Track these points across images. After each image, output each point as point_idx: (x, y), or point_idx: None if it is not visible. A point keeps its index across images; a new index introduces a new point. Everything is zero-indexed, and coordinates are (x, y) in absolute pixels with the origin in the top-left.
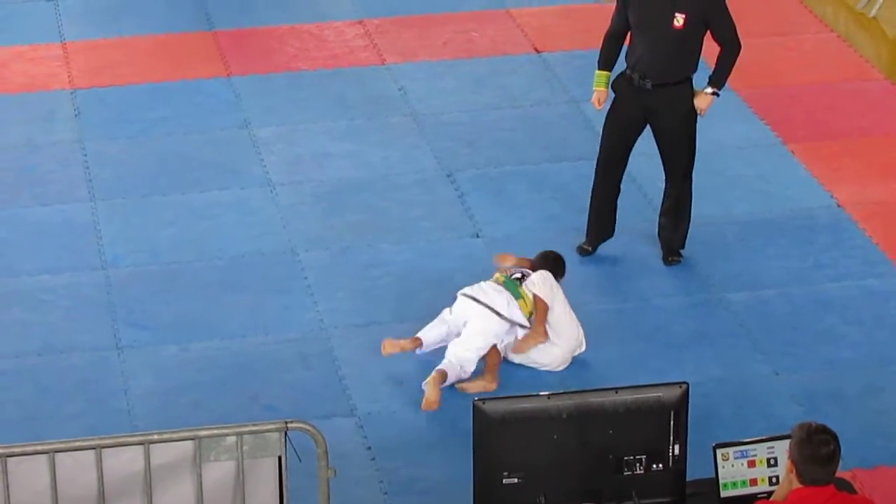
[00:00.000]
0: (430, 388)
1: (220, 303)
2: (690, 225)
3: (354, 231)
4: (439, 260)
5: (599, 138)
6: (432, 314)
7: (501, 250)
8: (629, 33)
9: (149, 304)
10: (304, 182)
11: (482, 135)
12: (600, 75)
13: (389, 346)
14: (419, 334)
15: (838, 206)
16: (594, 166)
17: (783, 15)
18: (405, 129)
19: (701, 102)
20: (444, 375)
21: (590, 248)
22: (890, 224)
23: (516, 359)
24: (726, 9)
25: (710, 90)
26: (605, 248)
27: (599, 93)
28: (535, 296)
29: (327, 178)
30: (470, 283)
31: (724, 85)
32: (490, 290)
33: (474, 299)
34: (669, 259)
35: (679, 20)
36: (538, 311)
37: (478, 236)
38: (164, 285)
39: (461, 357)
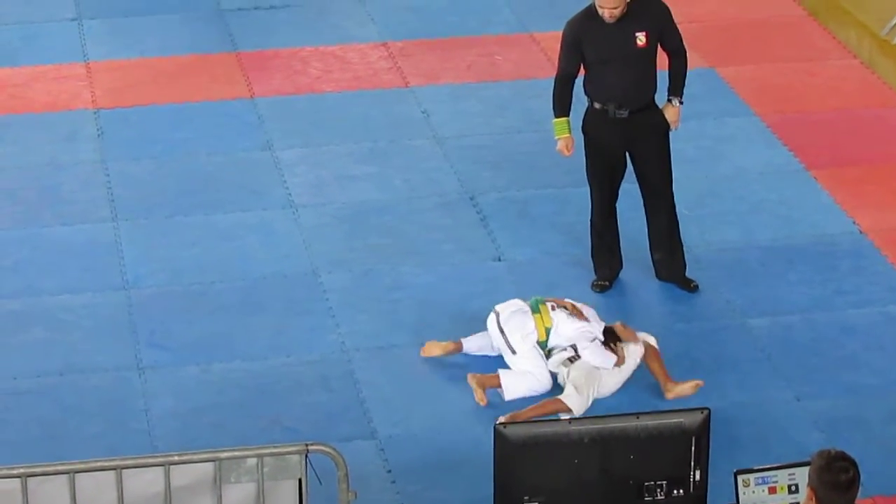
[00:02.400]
0: (474, 383)
1: (241, 324)
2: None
3: (376, 253)
4: (461, 283)
5: (588, 177)
6: (454, 337)
7: (523, 274)
8: (586, 70)
9: (170, 325)
10: (327, 204)
11: (505, 158)
12: (560, 122)
13: (431, 347)
14: (463, 339)
15: (861, 232)
16: (590, 208)
17: (807, 41)
18: (428, 151)
19: (672, 115)
20: (495, 380)
21: (607, 283)
22: None
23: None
24: (674, 21)
25: (676, 102)
26: (623, 276)
27: (566, 140)
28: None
29: (350, 200)
30: (491, 307)
31: (683, 93)
32: (515, 315)
33: (498, 323)
34: (692, 286)
35: (641, 39)
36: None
37: (500, 259)
38: (186, 306)
39: (522, 371)
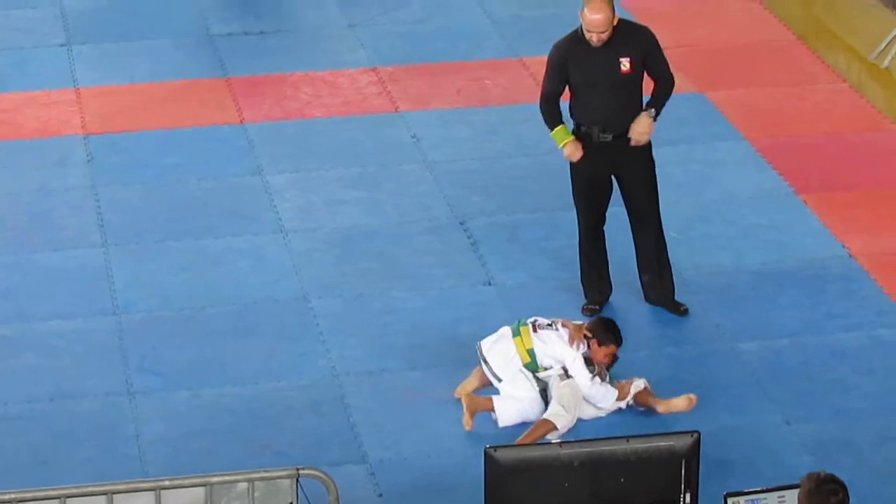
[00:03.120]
0: (465, 401)
1: (232, 349)
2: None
3: (367, 278)
4: (451, 308)
5: (575, 201)
6: (444, 362)
7: (513, 298)
8: (571, 93)
9: (161, 350)
10: (317, 229)
11: (495, 182)
12: (559, 131)
13: (467, 387)
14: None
15: (850, 256)
16: (577, 233)
17: (796, 65)
18: (418, 176)
19: (643, 124)
20: (488, 404)
21: (597, 307)
22: None
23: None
24: (661, 48)
25: (652, 112)
26: (613, 299)
27: (571, 144)
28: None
29: (340, 225)
30: (481, 331)
31: (660, 112)
32: (496, 343)
33: (482, 354)
34: (681, 310)
35: (625, 64)
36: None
37: (490, 284)
38: (177, 331)
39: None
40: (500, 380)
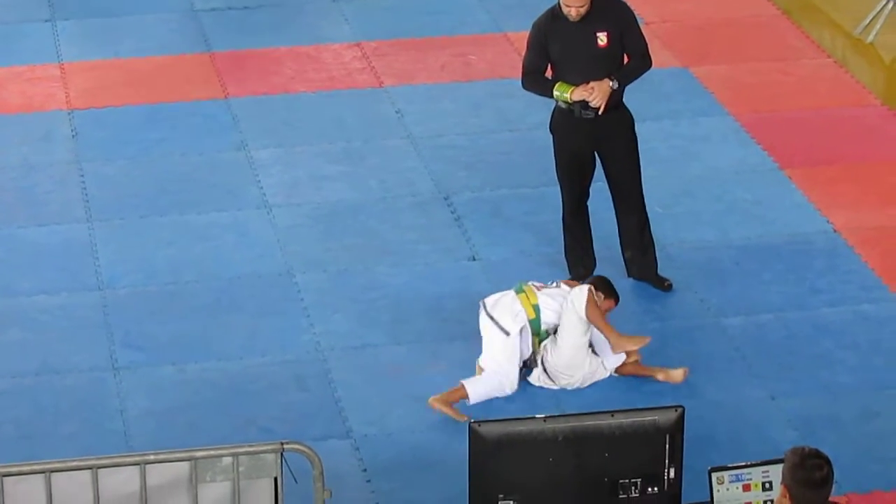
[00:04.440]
0: (439, 405)
1: (216, 324)
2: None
3: (351, 253)
4: (436, 283)
5: (558, 178)
6: (429, 337)
7: (498, 273)
8: (553, 72)
9: (145, 325)
10: (301, 204)
11: (479, 158)
12: (559, 86)
13: (438, 403)
14: (465, 382)
15: (835, 231)
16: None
17: (780, 40)
18: (402, 151)
19: (601, 87)
20: (461, 392)
21: (580, 282)
22: (886, 249)
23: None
24: (638, 25)
25: (613, 81)
26: (597, 274)
27: (575, 89)
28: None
29: (324, 200)
30: (465, 307)
31: (625, 85)
32: (500, 299)
33: (486, 311)
34: (665, 285)
35: (602, 39)
36: (596, 321)
37: (474, 259)
38: (161, 306)
39: (493, 370)
40: (507, 333)
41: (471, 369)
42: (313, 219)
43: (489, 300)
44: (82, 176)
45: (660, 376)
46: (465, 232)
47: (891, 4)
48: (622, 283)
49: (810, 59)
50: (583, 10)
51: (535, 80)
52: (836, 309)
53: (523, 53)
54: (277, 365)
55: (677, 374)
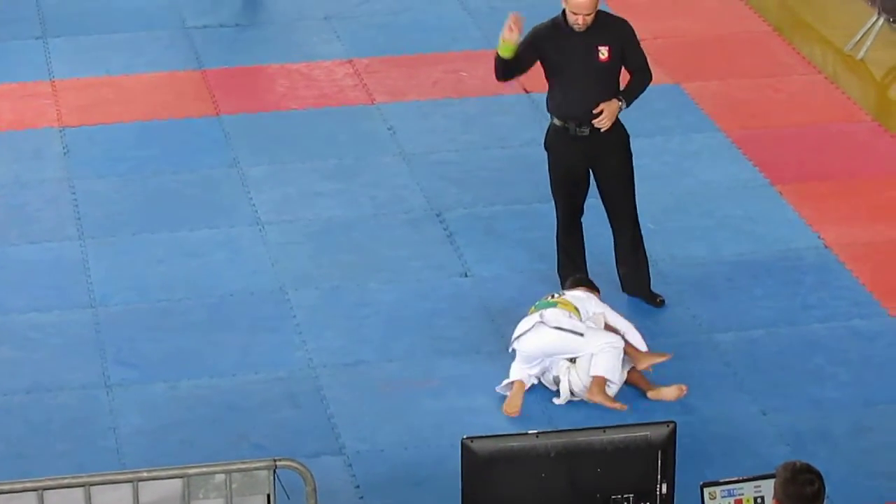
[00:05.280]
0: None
1: (209, 341)
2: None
3: (343, 270)
4: (428, 299)
5: (553, 195)
6: (421, 353)
7: (490, 290)
8: (549, 85)
9: (137, 343)
10: (294, 221)
11: (471, 174)
12: (503, 46)
13: (514, 402)
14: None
15: (826, 246)
16: (556, 227)
17: (771, 56)
18: (394, 168)
19: (610, 108)
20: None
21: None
22: (877, 265)
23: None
24: (638, 41)
25: (623, 101)
26: None
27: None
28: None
29: (316, 217)
30: (458, 324)
31: (631, 103)
32: (552, 313)
33: (554, 326)
34: (657, 301)
35: (604, 53)
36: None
37: (466, 275)
38: (153, 323)
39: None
40: (583, 335)
41: (464, 385)
42: (305, 236)
43: (545, 317)
44: (74, 193)
45: (650, 395)
46: (458, 248)
47: (881, 21)
48: (615, 298)
49: (801, 75)
50: (589, 20)
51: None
52: (827, 325)
53: None
54: (270, 382)
55: (670, 393)
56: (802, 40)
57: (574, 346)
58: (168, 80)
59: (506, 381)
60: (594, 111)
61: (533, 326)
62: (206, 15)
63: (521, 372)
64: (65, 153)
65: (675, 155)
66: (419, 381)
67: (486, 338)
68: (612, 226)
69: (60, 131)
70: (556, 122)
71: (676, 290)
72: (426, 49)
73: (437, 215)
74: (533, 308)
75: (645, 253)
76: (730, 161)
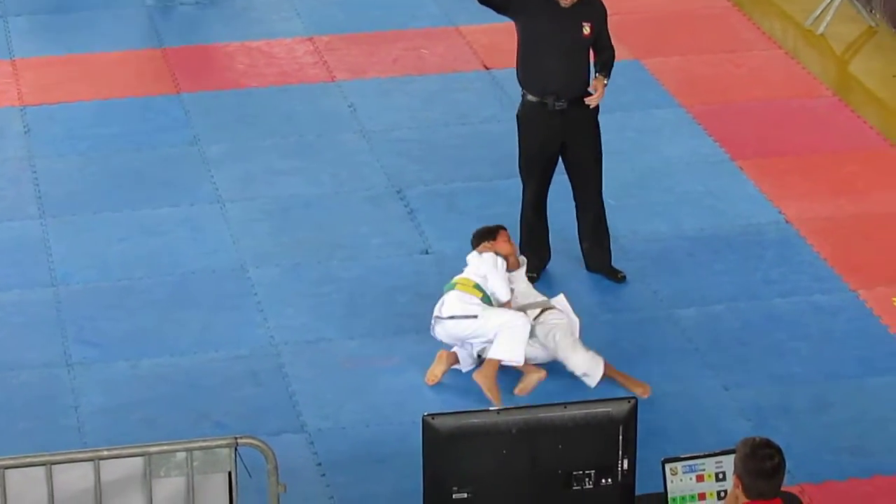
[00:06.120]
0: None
1: (170, 319)
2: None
3: (304, 248)
4: (389, 276)
5: (522, 172)
6: (382, 331)
7: (451, 266)
8: (525, 59)
9: (99, 321)
10: (254, 199)
11: (432, 151)
12: None
13: (436, 370)
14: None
15: (787, 221)
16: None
17: (731, 32)
18: (355, 145)
19: (599, 87)
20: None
21: (535, 275)
22: (838, 240)
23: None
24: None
25: (605, 78)
26: (551, 267)
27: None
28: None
29: (277, 195)
30: (419, 300)
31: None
32: (443, 304)
33: (448, 316)
34: (619, 276)
35: (587, 29)
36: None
37: (427, 252)
38: (115, 302)
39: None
40: (477, 317)
41: (425, 362)
42: (266, 213)
43: (437, 310)
44: (34, 172)
45: (620, 379)
46: (419, 226)
47: None
48: (576, 274)
49: (761, 50)
50: None
51: None
52: (788, 299)
53: (478, 47)
54: (231, 360)
55: (636, 387)
56: (762, 16)
57: (473, 330)
58: (128, 58)
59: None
60: (590, 89)
61: (434, 321)
62: None
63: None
64: (25, 132)
65: (636, 131)
66: (381, 358)
67: None
68: (576, 202)
69: (21, 110)
70: (531, 97)
71: (638, 266)
72: (386, 26)
73: (398, 192)
74: (446, 287)
75: (607, 228)
76: (690, 136)
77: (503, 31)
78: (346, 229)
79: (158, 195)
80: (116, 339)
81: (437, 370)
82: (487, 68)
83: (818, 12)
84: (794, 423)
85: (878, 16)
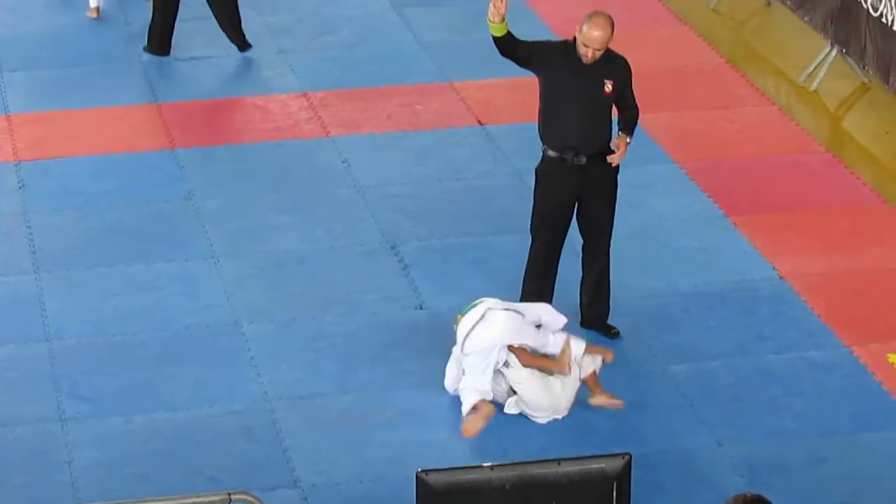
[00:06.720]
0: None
1: (164, 375)
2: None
3: (298, 303)
4: (383, 332)
5: (534, 227)
6: (376, 386)
7: (445, 322)
8: (546, 113)
9: (93, 376)
10: (249, 254)
11: (426, 207)
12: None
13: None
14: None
15: (780, 278)
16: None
17: (725, 88)
18: (349, 201)
19: (621, 146)
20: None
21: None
22: (831, 296)
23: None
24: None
25: (628, 137)
26: None
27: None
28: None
29: (271, 250)
30: (413, 356)
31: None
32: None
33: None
34: (612, 332)
35: (609, 86)
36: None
37: (421, 308)
38: (109, 357)
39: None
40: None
41: (420, 418)
42: (261, 269)
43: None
44: (29, 227)
45: (591, 400)
46: (413, 281)
47: (834, 52)
48: (572, 328)
49: (755, 106)
50: (598, 55)
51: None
52: (782, 355)
53: (472, 103)
54: (225, 415)
55: (605, 401)
56: (756, 72)
57: (526, 332)
58: (123, 113)
59: (470, 403)
60: (612, 146)
61: (483, 316)
62: None
63: (478, 386)
64: (20, 187)
65: (630, 186)
66: (375, 413)
67: (442, 370)
68: (584, 255)
69: (16, 165)
70: (552, 153)
71: (631, 322)
72: (380, 82)
73: (392, 248)
74: (459, 315)
75: (609, 284)
76: (684, 192)
77: (497, 88)
78: (340, 285)
79: (153, 251)
80: (110, 394)
81: (477, 423)
82: (482, 124)
83: (811, 68)
84: (787, 479)
85: (871, 72)
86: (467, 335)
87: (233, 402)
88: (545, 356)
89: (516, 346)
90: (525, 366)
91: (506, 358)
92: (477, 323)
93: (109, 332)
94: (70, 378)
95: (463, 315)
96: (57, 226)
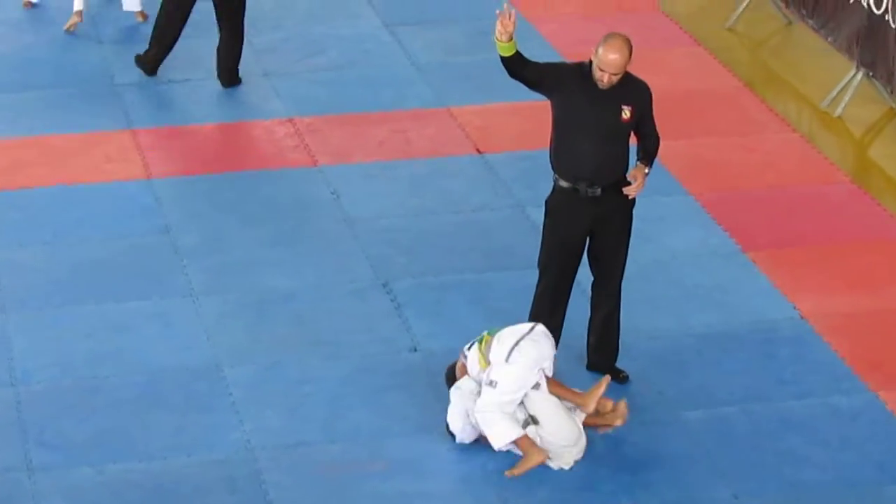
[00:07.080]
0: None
1: (138, 421)
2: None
3: (283, 345)
4: (374, 375)
5: (542, 263)
6: (367, 434)
7: (440, 365)
8: (559, 141)
9: (62, 423)
10: (230, 292)
11: (420, 241)
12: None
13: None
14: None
15: (801, 317)
16: (536, 289)
17: (743, 113)
18: (338, 235)
19: (639, 176)
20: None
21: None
22: (856, 337)
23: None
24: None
25: (647, 168)
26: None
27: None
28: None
29: (254, 287)
30: (406, 400)
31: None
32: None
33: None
34: (621, 377)
35: (626, 113)
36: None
37: (415, 350)
38: (79, 402)
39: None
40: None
41: (413, 467)
42: (243, 308)
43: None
44: None
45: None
46: (406, 321)
47: (860, 75)
48: (578, 373)
49: (775, 133)
50: (615, 80)
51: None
52: (803, 401)
53: (470, 129)
54: (205, 465)
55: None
56: (776, 97)
57: None
58: (96, 140)
59: (509, 436)
60: (629, 177)
61: (532, 329)
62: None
63: (505, 409)
64: None
65: (640, 219)
66: (366, 463)
67: (437, 416)
68: (594, 293)
69: None
70: (564, 183)
71: (641, 365)
72: (372, 107)
73: (384, 285)
74: (486, 334)
75: (619, 325)
76: (698, 226)
77: (498, 113)
78: (328, 325)
79: (127, 288)
80: (80, 442)
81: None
82: (481, 152)
83: (835, 93)
84: None
85: None
86: (517, 344)
87: (213, 451)
88: (572, 388)
89: (549, 371)
90: (552, 393)
91: (537, 380)
92: (525, 335)
93: (80, 376)
94: (38, 425)
95: (491, 334)
96: (23, 261)
